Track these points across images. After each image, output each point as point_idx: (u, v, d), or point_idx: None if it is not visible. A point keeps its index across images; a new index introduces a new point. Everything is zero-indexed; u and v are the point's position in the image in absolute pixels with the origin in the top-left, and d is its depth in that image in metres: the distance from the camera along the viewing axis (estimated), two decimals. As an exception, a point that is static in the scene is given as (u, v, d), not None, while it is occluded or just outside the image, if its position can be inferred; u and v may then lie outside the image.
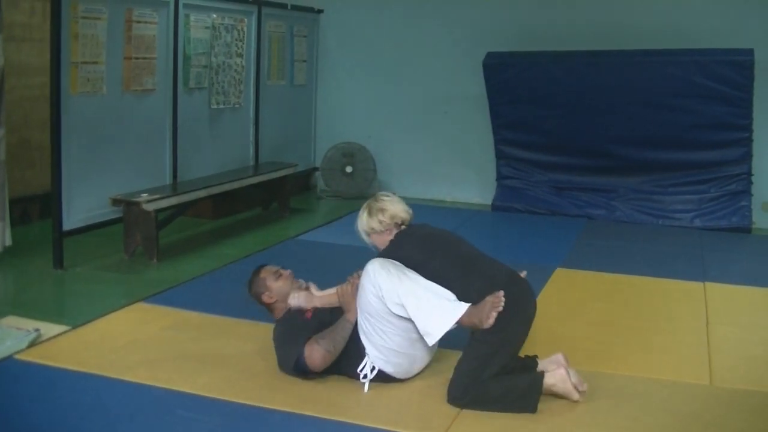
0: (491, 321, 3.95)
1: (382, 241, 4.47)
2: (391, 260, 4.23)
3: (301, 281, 4.68)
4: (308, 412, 3.98)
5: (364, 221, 4.53)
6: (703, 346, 5.13)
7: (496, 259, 4.39)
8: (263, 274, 4.67)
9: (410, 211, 4.59)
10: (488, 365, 4.04)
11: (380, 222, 4.46)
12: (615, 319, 5.67)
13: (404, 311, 4.08)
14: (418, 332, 4.15)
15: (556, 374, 4.16)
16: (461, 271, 4.22)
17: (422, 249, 4.31)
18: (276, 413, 3.98)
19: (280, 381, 4.30)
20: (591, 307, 5.94)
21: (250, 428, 3.84)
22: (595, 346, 5.07)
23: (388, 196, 4.61)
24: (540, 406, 4.08)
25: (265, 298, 4.64)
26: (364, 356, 4.26)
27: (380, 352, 4.23)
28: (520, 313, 4.12)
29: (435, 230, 4.53)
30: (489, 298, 3.99)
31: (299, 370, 4.28)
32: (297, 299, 4.54)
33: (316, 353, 4.21)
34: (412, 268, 4.21)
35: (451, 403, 4.09)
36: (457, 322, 4.05)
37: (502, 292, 3.97)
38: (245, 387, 4.25)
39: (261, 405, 4.05)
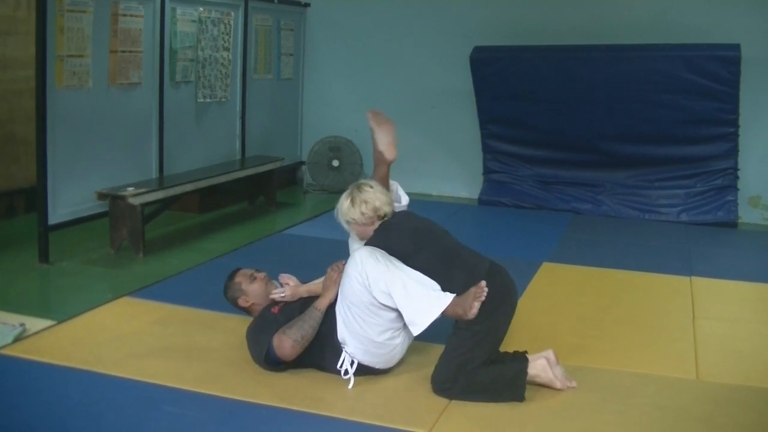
0: (474, 311, 3.96)
1: (364, 231, 4.41)
2: (378, 249, 4.22)
3: (275, 282, 4.69)
4: (294, 407, 3.98)
5: (345, 209, 4.41)
6: (689, 340, 5.14)
7: (476, 251, 4.38)
8: (238, 278, 4.68)
9: (392, 203, 4.52)
10: (474, 354, 4.05)
11: (362, 214, 4.36)
12: (601, 313, 5.68)
13: (390, 300, 4.07)
14: (399, 322, 4.16)
15: (537, 364, 4.19)
16: (445, 264, 4.22)
17: (411, 242, 4.29)
18: (262, 408, 3.97)
19: (266, 376, 4.29)
20: (577, 301, 5.95)
21: (237, 423, 3.83)
22: (581, 341, 5.07)
23: (371, 186, 4.47)
24: (527, 402, 4.10)
25: (241, 302, 4.66)
26: (342, 352, 4.26)
27: (359, 341, 4.21)
28: (503, 302, 4.15)
29: (421, 222, 4.49)
30: (472, 289, 3.99)
31: (271, 361, 4.27)
32: (280, 293, 4.54)
33: (284, 343, 4.19)
34: (401, 259, 4.21)
35: (437, 394, 4.09)
36: (442, 312, 4.06)
37: (484, 283, 3.98)
38: (232, 382, 4.24)
39: (247, 400, 4.04)
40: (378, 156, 4.73)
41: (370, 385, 4.25)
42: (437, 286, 4.14)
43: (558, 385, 4.19)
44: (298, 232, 7.96)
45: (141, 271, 6.53)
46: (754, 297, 6.32)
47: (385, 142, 4.68)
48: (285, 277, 4.67)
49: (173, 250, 7.23)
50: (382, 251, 4.21)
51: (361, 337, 4.20)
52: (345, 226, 4.49)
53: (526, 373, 4.14)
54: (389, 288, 4.05)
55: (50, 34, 6.44)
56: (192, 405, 3.98)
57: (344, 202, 4.43)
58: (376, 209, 4.37)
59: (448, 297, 4.06)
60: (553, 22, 9.54)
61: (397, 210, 4.55)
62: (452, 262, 4.24)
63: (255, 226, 8.36)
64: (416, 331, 4.09)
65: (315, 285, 4.56)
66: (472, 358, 4.06)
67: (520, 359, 4.22)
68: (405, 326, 4.18)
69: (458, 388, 4.06)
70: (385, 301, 4.09)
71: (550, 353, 4.33)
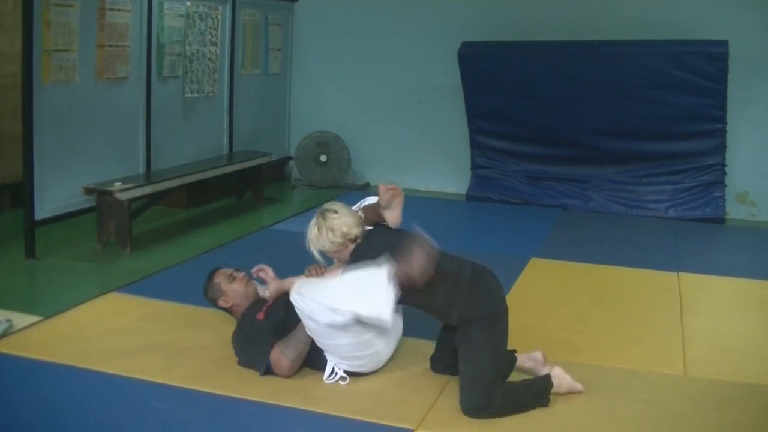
0: (422, 267, 3.88)
1: (340, 255, 4.28)
2: (304, 281, 4.19)
3: (255, 283, 4.69)
4: (283, 403, 3.97)
5: (314, 238, 4.27)
6: (677, 336, 5.15)
7: (456, 255, 4.28)
8: (217, 278, 4.67)
9: (362, 222, 4.33)
10: (496, 365, 4.01)
11: (332, 242, 4.21)
12: (589, 309, 5.68)
13: (341, 316, 3.98)
14: (371, 332, 4.11)
15: (555, 374, 4.15)
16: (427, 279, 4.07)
17: (388, 260, 4.10)
18: (251, 404, 3.96)
19: (255, 372, 4.27)
20: (565, 297, 5.95)
21: (225, 419, 3.82)
22: (569, 337, 5.08)
23: (336, 212, 4.27)
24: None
25: (221, 303, 4.65)
26: (326, 362, 4.24)
27: (343, 359, 4.20)
28: (494, 304, 4.09)
29: (397, 236, 4.24)
30: (410, 249, 3.91)
31: (268, 373, 4.25)
32: (264, 292, 4.56)
33: (282, 363, 4.19)
34: None
35: (473, 417, 3.92)
36: (396, 285, 3.96)
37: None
38: (220, 377, 4.23)
39: (236, 396, 4.03)
40: (379, 213, 4.48)
41: (359, 381, 4.24)
42: (372, 264, 4.03)
43: (579, 387, 4.17)
44: (285, 227, 7.93)
45: (128, 266, 6.51)
46: (741, 293, 6.33)
47: (393, 216, 4.43)
48: (262, 271, 4.64)
49: (161, 246, 7.21)
50: (307, 281, 4.19)
51: (343, 356, 4.19)
52: (316, 255, 4.32)
53: (551, 384, 4.10)
54: (334, 305, 3.98)
55: (36, 29, 6.40)
56: (180, 401, 3.96)
57: (312, 231, 4.29)
58: (344, 234, 4.22)
59: (384, 269, 3.96)
60: (541, 18, 9.54)
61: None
62: (433, 275, 4.10)
63: (242, 222, 8.35)
64: (385, 321, 3.98)
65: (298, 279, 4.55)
66: (496, 370, 4.01)
67: (545, 376, 4.17)
68: (381, 331, 4.15)
69: (496, 406, 3.92)
70: (338, 321, 4.00)
71: (538, 354, 4.34)
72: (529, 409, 4.00)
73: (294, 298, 4.14)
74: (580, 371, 4.46)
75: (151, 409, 3.88)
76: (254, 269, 4.66)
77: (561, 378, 4.15)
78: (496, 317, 4.07)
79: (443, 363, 4.32)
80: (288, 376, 4.22)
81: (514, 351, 4.37)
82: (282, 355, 4.20)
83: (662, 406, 4.11)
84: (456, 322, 4.06)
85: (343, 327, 4.04)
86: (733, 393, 4.32)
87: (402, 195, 4.33)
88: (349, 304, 3.97)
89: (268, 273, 4.61)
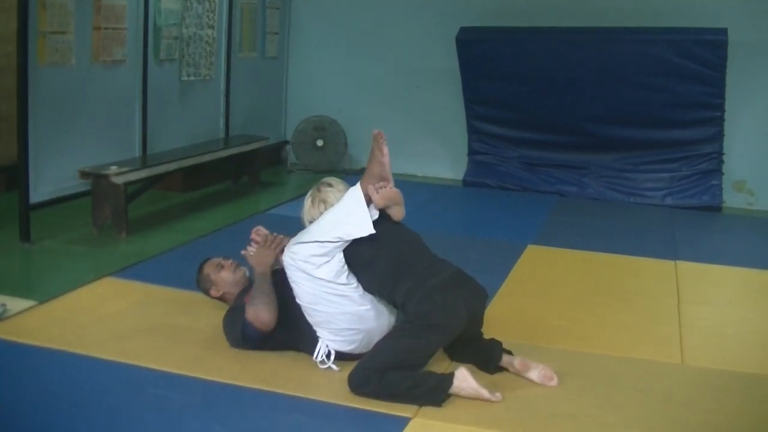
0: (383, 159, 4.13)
1: None
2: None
3: (245, 269, 4.71)
4: (279, 390, 3.95)
5: (307, 209, 4.38)
6: (674, 325, 5.15)
7: (442, 261, 4.22)
8: (206, 270, 4.73)
9: None
10: (404, 357, 3.91)
11: (321, 214, 4.25)
12: (586, 297, 5.68)
13: (325, 248, 4.02)
14: (365, 303, 4.11)
15: (458, 375, 3.93)
16: (396, 272, 4.06)
17: (368, 248, 4.09)
18: (247, 390, 3.95)
19: (251, 358, 4.26)
20: (562, 284, 5.94)
21: (221, 406, 3.80)
22: (566, 324, 5.07)
23: (331, 185, 4.38)
24: (511, 385, 4.07)
25: (213, 293, 4.70)
26: (318, 341, 4.21)
27: (336, 334, 4.16)
28: (450, 318, 3.96)
29: (386, 228, 4.19)
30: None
31: (252, 338, 4.25)
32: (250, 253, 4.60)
33: (260, 314, 4.17)
34: (359, 266, 4.11)
35: (351, 389, 3.91)
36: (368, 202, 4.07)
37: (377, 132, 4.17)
38: (216, 364, 4.21)
39: (232, 382, 4.01)
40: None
41: (355, 368, 4.22)
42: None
43: (486, 395, 3.92)
44: (282, 212, 7.90)
45: (124, 250, 6.48)
46: (738, 281, 6.34)
47: (394, 214, 4.30)
48: (257, 231, 4.67)
49: (156, 230, 7.18)
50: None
51: (335, 330, 4.16)
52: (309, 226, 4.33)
53: (449, 384, 3.90)
54: (321, 236, 4.03)
55: (32, 10, 6.35)
56: (177, 387, 3.95)
57: (306, 202, 4.41)
58: None
59: (357, 188, 4.09)
60: (540, 3, 9.50)
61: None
62: (405, 271, 4.07)
63: (239, 206, 8.32)
64: (368, 229, 4.04)
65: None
66: (404, 362, 3.91)
67: (447, 374, 3.98)
68: (375, 307, 4.15)
69: (378, 389, 3.86)
70: (322, 253, 4.03)
71: (516, 362, 4.20)
72: (419, 403, 3.84)
73: (284, 255, 4.16)
74: (576, 359, 4.46)
75: (147, 394, 3.86)
76: (253, 230, 4.68)
77: (463, 380, 3.92)
78: (439, 328, 3.95)
79: (449, 350, 4.30)
80: (272, 324, 4.19)
81: (510, 352, 4.26)
82: (253, 307, 4.19)
83: (659, 395, 4.10)
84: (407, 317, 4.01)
85: (340, 290, 4.06)
86: (730, 382, 4.32)
87: (397, 195, 4.25)
88: (333, 232, 4.03)
89: (259, 236, 4.64)
